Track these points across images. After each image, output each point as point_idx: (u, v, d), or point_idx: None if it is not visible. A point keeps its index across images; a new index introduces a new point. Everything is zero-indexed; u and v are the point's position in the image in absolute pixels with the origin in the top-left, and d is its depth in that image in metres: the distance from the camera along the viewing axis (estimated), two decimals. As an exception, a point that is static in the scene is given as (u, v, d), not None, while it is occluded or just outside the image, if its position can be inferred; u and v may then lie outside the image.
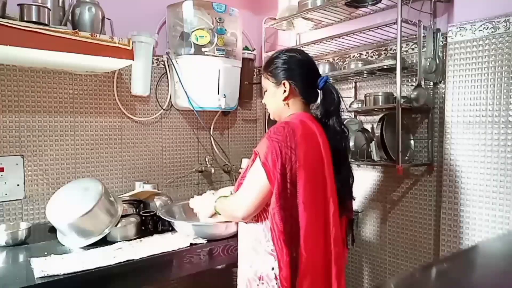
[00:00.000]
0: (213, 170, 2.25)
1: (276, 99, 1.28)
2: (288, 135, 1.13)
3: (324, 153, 1.18)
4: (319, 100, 1.28)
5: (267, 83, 1.31)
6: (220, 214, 1.35)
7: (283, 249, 1.13)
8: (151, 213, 1.62)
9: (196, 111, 2.08)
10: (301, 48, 2.18)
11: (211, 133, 2.33)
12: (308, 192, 1.13)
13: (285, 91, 1.25)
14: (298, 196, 1.13)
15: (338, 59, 2.12)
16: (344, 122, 1.28)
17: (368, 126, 1.96)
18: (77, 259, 1.29)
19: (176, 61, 2.05)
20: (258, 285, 1.21)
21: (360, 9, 1.88)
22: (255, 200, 1.17)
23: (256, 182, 1.17)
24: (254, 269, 1.23)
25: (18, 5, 1.42)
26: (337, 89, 1.26)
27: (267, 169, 1.13)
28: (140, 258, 1.32)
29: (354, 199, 1.33)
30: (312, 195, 1.14)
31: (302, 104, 1.27)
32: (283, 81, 1.25)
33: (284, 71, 1.25)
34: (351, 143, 1.79)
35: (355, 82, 2.04)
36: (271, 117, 1.37)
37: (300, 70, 1.25)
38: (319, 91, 1.26)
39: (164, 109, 2.15)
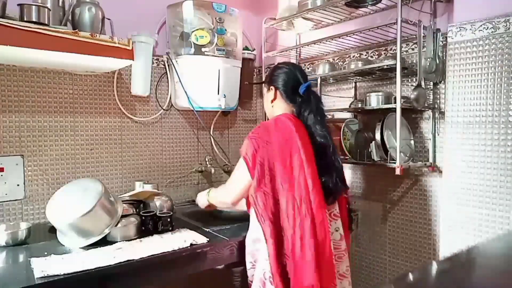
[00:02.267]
0: (213, 170, 2.25)
1: (267, 102, 1.55)
2: (263, 131, 1.39)
3: (300, 142, 1.34)
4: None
5: (264, 90, 1.60)
6: (212, 203, 1.64)
7: (270, 240, 1.29)
8: (151, 213, 1.62)
9: (196, 111, 2.08)
10: (301, 48, 2.21)
11: (211, 133, 2.33)
12: (284, 174, 1.32)
13: (272, 94, 1.51)
14: (276, 180, 1.33)
15: (338, 59, 2.12)
16: (326, 122, 1.48)
17: (368, 126, 1.96)
18: (77, 259, 1.29)
19: (176, 61, 2.05)
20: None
21: (360, 9, 1.88)
22: (238, 189, 1.43)
23: (239, 174, 1.42)
24: (261, 269, 1.34)
25: (18, 5, 1.41)
26: (317, 94, 1.54)
27: (246, 161, 1.36)
28: (140, 258, 1.32)
29: (348, 188, 1.52)
30: (288, 176, 1.32)
31: (287, 106, 1.49)
32: (270, 86, 1.52)
33: (272, 79, 1.52)
34: (352, 143, 1.77)
35: (355, 82, 2.04)
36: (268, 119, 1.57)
37: (284, 78, 1.49)
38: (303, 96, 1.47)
39: (164, 109, 2.16)
